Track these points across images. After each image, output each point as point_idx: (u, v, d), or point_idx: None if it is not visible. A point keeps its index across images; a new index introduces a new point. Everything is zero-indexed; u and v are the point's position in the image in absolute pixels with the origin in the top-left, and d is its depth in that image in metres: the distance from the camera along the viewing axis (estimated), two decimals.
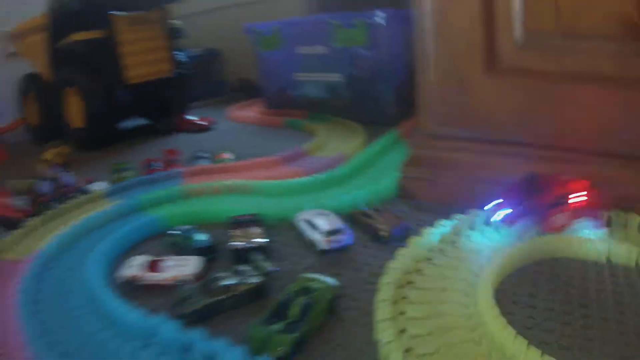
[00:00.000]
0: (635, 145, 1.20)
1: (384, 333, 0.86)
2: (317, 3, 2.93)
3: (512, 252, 1.07)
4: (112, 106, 2.59)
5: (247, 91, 3.50)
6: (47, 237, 1.46)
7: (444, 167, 1.42)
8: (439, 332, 0.88)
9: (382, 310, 0.91)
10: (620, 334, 0.86)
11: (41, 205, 1.69)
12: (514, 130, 1.32)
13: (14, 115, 3.25)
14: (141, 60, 2.57)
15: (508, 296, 0.97)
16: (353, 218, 1.30)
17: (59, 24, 2.64)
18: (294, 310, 0.91)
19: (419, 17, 1.39)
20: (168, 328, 0.91)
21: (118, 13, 2.49)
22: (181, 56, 2.82)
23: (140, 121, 3.10)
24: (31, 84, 3.02)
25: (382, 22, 2.14)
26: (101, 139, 2.66)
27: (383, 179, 1.56)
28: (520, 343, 0.80)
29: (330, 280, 0.99)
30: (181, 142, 2.51)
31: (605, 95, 1.20)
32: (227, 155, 2.01)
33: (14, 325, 1.03)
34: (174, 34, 2.75)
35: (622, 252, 1.07)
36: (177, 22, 2.80)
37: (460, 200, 1.30)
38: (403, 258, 1.07)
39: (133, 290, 1.13)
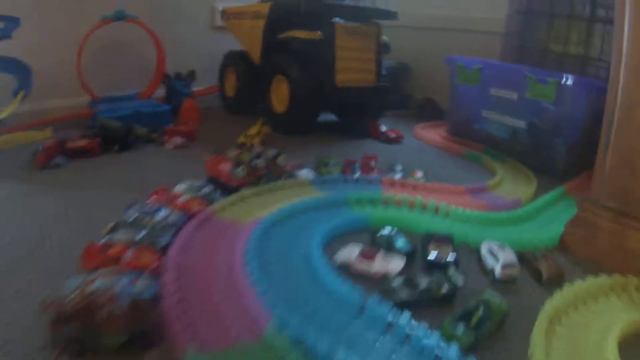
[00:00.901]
0: None
1: (536, 352, 1.11)
2: (511, 52, 3.13)
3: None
4: (317, 100, 2.93)
5: (429, 111, 3.75)
6: (262, 207, 1.79)
7: (603, 233, 1.61)
8: None
9: (536, 335, 1.16)
10: None
11: (257, 178, 2.01)
12: None
13: (210, 83, 3.63)
14: (351, 66, 2.90)
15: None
16: (522, 256, 1.57)
17: (281, 18, 3.02)
18: (475, 318, 1.21)
19: (609, 107, 1.58)
20: (378, 307, 1.21)
21: (340, 21, 2.83)
22: (384, 69, 3.13)
23: (331, 118, 3.42)
24: (235, 61, 3.41)
25: (571, 85, 2.33)
26: (301, 127, 3.00)
27: (549, 230, 1.78)
28: None
29: (504, 301, 1.27)
30: (373, 148, 2.79)
31: None
32: (419, 174, 2.27)
33: (245, 277, 1.32)
34: (382, 48, 3.07)
35: None
36: (386, 38, 3.12)
37: (610, 265, 1.52)
38: (557, 300, 1.32)
39: (344, 272, 1.43)
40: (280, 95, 2.99)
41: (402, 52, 4.00)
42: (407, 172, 2.31)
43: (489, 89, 2.81)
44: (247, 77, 3.33)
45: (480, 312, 1.23)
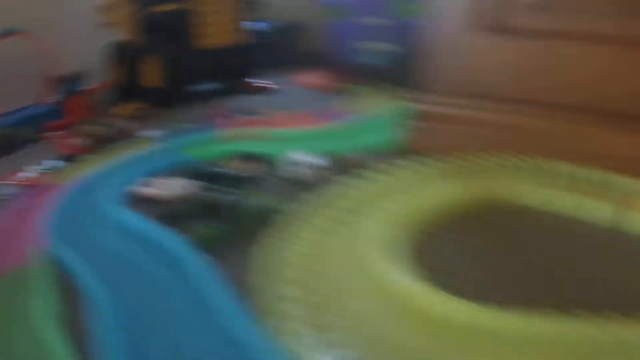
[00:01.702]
0: (624, 102, 1.37)
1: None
2: None
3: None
4: (187, 69, 2.99)
5: (317, 60, 3.61)
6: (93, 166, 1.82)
7: (442, 121, 1.65)
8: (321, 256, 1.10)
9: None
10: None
11: (100, 145, 2.04)
12: (508, 88, 1.54)
13: (103, 78, 3.53)
14: (214, 29, 2.95)
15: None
16: (339, 160, 1.58)
17: None
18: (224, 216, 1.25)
19: None
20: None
21: None
22: (252, 27, 3.15)
23: (216, 85, 3.35)
24: (118, 50, 3.38)
25: None
26: (175, 98, 3.03)
27: (384, 132, 1.82)
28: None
29: (270, 202, 1.31)
30: (243, 102, 2.81)
31: (599, 52, 1.40)
32: (266, 110, 2.33)
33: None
34: (248, 6, 3.10)
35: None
36: None
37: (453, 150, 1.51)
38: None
39: (137, 201, 1.46)
40: (154, 71, 3.05)
41: (296, 9, 3.91)
42: (261, 113, 2.35)
43: (359, 19, 2.81)
44: (131, 63, 3.28)
45: (232, 210, 1.27)
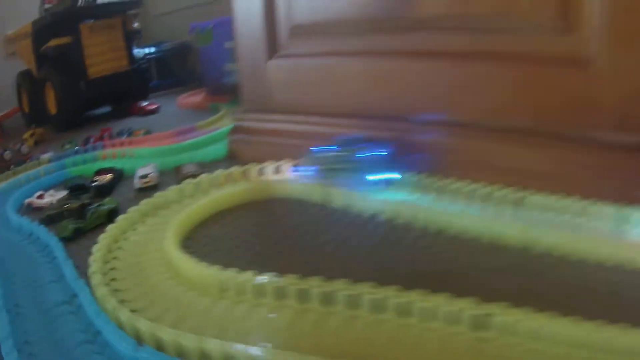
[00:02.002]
0: (381, 108, 1.59)
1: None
2: None
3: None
4: (78, 96, 3.44)
5: (197, 81, 4.11)
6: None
7: (256, 133, 1.94)
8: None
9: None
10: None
11: (3, 167, 2.50)
12: (294, 103, 1.81)
13: (13, 104, 4.10)
14: (101, 59, 3.42)
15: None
16: (176, 171, 1.98)
17: (40, 32, 3.51)
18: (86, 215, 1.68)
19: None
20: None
21: (85, 22, 3.35)
22: (138, 53, 3.67)
23: (107, 109, 3.91)
24: (23, 79, 3.89)
25: None
26: (70, 123, 3.50)
27: (220, 145, 2.16)
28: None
29: (113, 202, 1.76)
30: (127, 124, 3.22)
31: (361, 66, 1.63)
32: (140, 132, 2.75)
33: None
34: (132, 35, 3.59)
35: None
36: (136, 25, 3.62)
37: (269, 158, 1.73)
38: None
39: (29, 209, 1.95)
40: (51, 99, 3.52)
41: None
42: (135, 134, 2.79)
43: (224, 43, 3.22)
44: (34, 91, 3.81)
45: (88, 211, 1.69)
